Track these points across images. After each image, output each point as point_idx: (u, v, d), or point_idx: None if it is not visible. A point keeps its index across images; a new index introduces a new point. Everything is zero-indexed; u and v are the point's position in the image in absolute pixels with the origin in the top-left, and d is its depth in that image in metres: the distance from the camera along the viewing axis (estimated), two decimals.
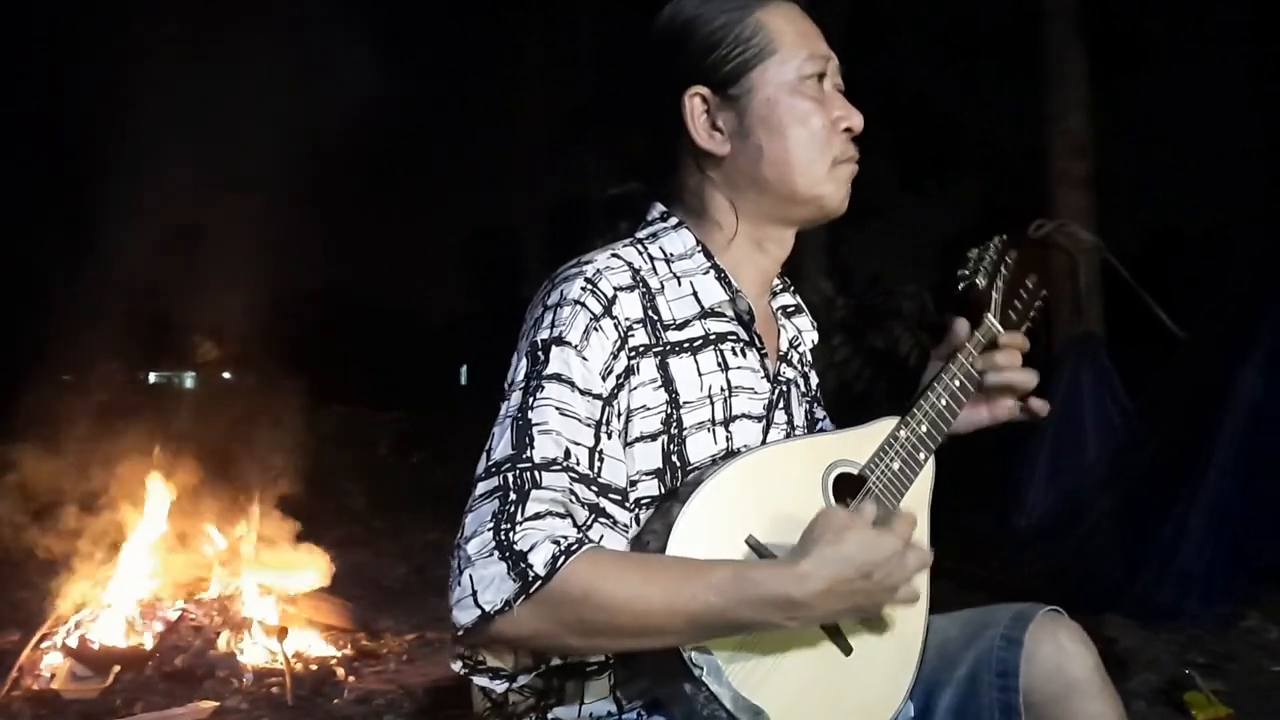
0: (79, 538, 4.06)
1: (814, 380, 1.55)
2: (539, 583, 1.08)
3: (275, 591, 4.09)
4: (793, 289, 1.52)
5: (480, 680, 1.20)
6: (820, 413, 1.55)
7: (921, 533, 1.33)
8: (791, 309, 1.49)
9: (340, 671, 3.75)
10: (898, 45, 12.01)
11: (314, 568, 4.26)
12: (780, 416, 1.37)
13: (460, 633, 1.13)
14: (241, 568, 4.13)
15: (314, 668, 3.78)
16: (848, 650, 1.22)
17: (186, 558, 4.16)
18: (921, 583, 1.28)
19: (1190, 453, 4.26)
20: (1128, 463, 5.03)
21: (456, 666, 1.20)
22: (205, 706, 3.36)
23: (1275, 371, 4.23)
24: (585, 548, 1.11)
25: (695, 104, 1.32)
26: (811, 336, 1.51)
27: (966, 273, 1.46)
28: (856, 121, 1.34)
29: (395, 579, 5.51)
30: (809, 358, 1.53)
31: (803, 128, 1.31)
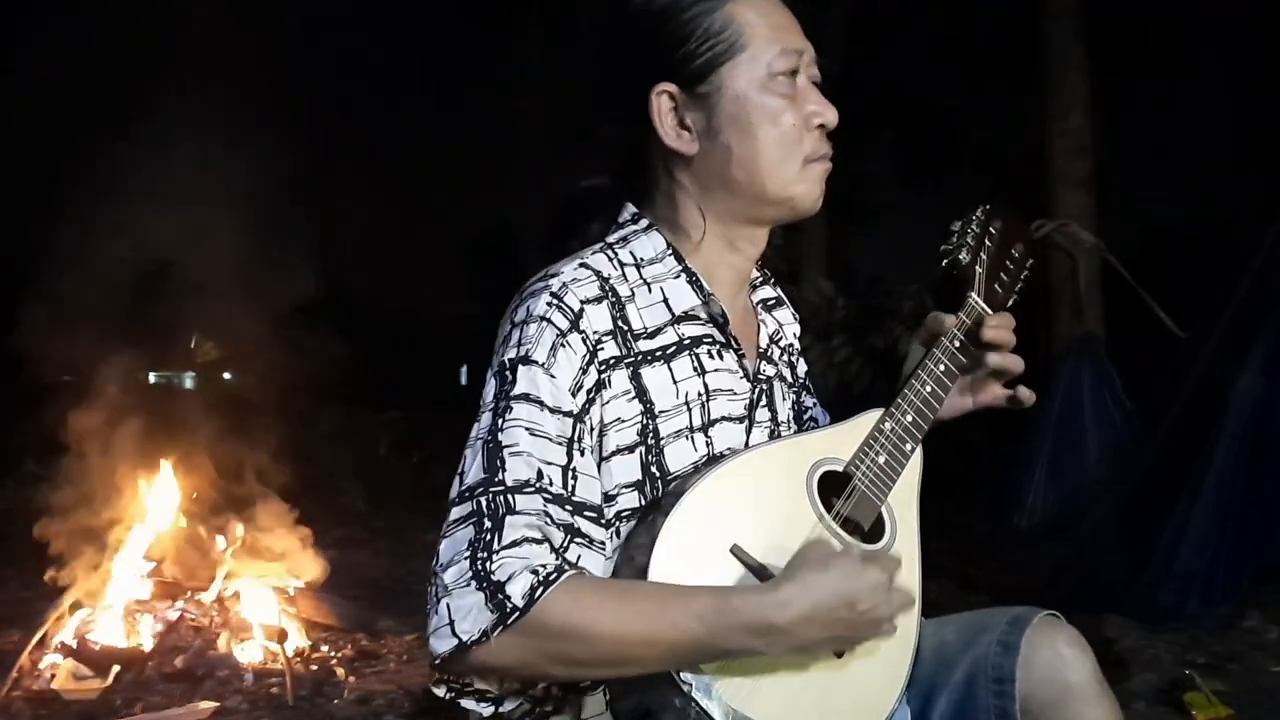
0: (79, 538, 4.06)
1: (801, 369, 1.51)
2: (517, 614, 1.08)
3: (275, 592, 4.09)
4: (774, 280, 1.48)
5: (467, 704, 1.18)
6: (810, 400, 1.51)
7: (910, 532, 1.32)
8: (772, 301, 1.46)
9: (340, 671, 3.75)
10: (898, 45, 11.99)
11: (313, 568, 4.26)
12: (763, 415, 1.35)
13: (438, 661, 1.12)
14: (241, 568, 4.13)
15: (314, 668, 3.78)
16: (839, 654, 1.20)
17: (187, 558, 4.16)
18: (913, 583, 1.27)
19: (1190, 453, 4.24)
20: (1128, 463, 5.03)
21: (440, 692, 1.18)
22: (205, 707, 3.36)
23: (1275, 371, 4.22)
24: (564, 577, 1.09)
25: (663, 102, 1.27)
26: (793, 329, 1.48)
27: (950, 247, 1.40)
28: (830, 117, 1.29)
29: (395, 579, 5.50)
30: (796, 346, 1.50)
31: (773, 126, 1.26)
